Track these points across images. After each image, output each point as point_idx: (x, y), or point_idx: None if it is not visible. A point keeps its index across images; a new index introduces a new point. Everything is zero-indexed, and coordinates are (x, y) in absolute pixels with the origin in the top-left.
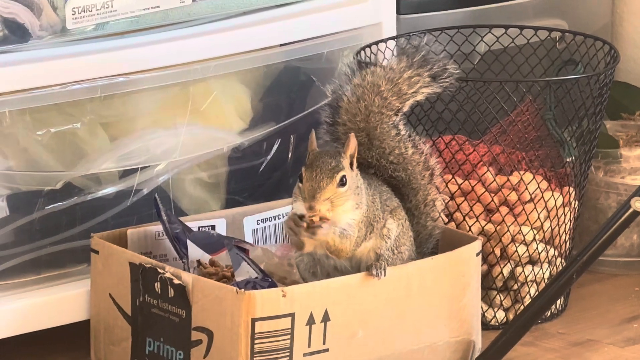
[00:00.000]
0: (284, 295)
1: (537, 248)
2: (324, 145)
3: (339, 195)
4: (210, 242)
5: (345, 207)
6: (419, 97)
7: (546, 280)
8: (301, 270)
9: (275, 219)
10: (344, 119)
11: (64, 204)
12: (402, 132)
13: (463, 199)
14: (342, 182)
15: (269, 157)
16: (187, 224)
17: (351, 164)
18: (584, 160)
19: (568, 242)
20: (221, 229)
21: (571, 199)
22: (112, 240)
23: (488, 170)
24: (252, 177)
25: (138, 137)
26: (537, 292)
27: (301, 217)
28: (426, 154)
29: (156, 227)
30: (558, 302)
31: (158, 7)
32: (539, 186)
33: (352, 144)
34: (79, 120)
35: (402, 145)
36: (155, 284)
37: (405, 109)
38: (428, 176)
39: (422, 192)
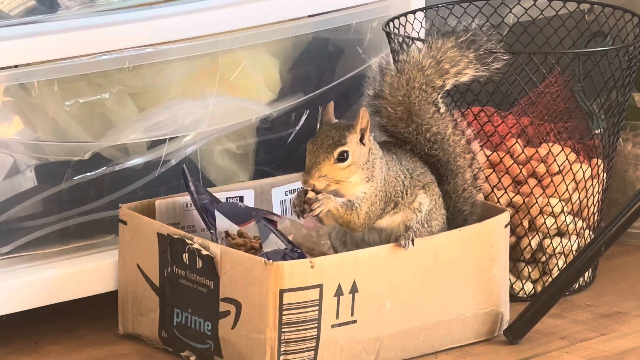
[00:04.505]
0: (312, 267)
1: (565, 220)
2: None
3: (338, 170)
4: (238, 213)
5: (352, 181)
6: (464, 79)
7: (574, 252)
8: (332, 238)
9: None
10: (386, 93)
11: (92, 175)
12: (442, 111)
13: (491, 170)
14: (342, 158)
15: (297, 127)
16: (215, 194)
17: (362, 139)
18: (612, 132)
19: (596, 214)
20: (249, 200)
21: (599, 171)
22: (140, 211)
23: (516, 141)
24: (280, 148)
25: (166, 108)
26: (565, 264)
27: (306, 192)
28: (468, 137)
29: (184, 198)
30: (586, 274)
31: None
32: (567, 158)
33: (364, 118)
34: (107, 91)
35: (441, 124)
36: (184, 255)
37: (447, 87)
38: (469, 159)
39: (461, 176)
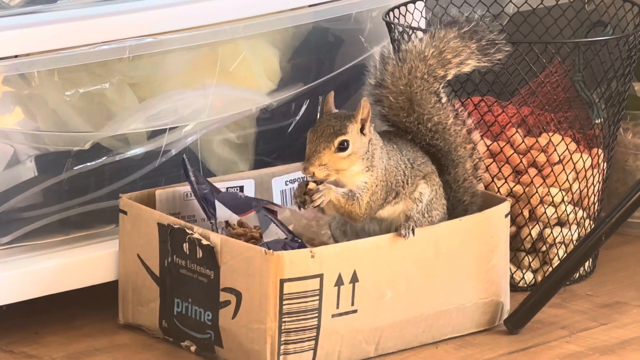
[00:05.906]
0: (312, 256)
1: (565, 209)
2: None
3: (338, 160)
4: (238, 203)
5: (352, 170)
6: (466, 69)
7: (574, 242)
8: (333, 228)
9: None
10: (388, 82)
11: (93, 165)
12: (443, 100)
13: (492, 160)
14: (342, 147)
15: (297, 117)
16: (215, 184)
17: (362, 129)
18: (612, 121)
19: (596, 204)
20: (249, 190)
21: (600, 161)
22: (140, 201)
23: (517, 131)
24: (280, 137)
25: (166, 98)
26: (565, 254)
27: (307, 184)
28: (468, 127)
29: (184, 188)
30: (586, 264)
31: None
32: (567, 148)
33: (365, 108)
34: (108, 81)
35: (442, 114)
36: (184, 245)
37: (449, 77)
38: (469, 149)
39: (462, 166)
